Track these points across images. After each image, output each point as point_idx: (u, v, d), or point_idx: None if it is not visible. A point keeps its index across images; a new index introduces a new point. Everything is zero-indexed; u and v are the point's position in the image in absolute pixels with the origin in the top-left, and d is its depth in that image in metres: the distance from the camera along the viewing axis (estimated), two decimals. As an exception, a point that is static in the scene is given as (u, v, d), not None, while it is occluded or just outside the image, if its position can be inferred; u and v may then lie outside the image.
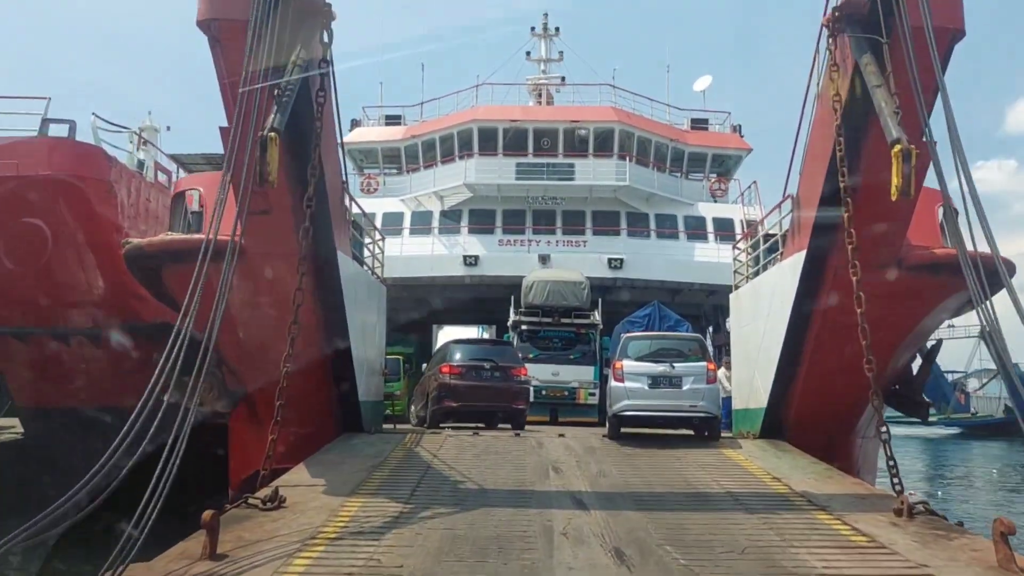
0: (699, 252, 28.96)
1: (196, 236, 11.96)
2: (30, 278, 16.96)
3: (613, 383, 13.64)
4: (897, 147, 8.21)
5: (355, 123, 32.38)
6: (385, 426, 16.23)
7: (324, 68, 9.93)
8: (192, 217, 13.37)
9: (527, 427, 17.75)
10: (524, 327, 22.99)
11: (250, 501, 8.37)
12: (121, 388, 14.33)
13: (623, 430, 13.82)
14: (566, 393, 22.60)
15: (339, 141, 11.76)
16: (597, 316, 23.16)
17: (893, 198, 8.31)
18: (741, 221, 29.71)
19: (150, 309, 15.93)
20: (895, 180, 8.22)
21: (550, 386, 22.50)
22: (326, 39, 10.07)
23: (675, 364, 13.29)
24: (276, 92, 8.38)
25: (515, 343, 23.05)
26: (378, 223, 29.52)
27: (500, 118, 29.15)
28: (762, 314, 13.82)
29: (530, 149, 29.18)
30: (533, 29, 33.17)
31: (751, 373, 14.39)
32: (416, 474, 10.28)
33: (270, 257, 11.06)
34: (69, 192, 16.49)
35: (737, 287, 16.85)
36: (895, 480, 9.07)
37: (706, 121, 32.43)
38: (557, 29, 33.15)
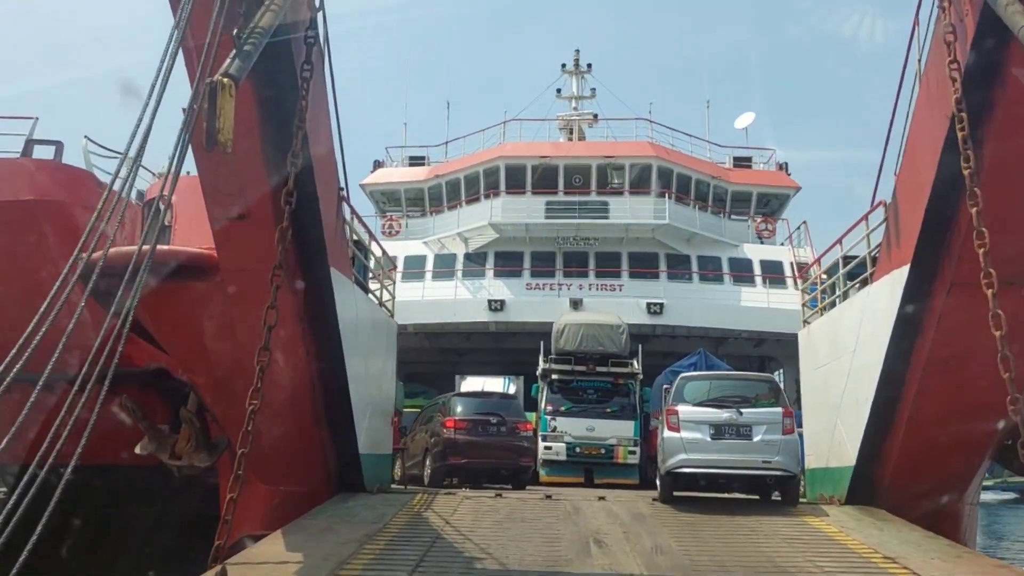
0: (746, 297, 26.62)
1: (163, 248, 10.04)
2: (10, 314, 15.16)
3: (667, 433, 11.27)
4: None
5: (377, 164, 30.88)
6: (394, 485, 13.95)
7: (310, 35, 8.05)
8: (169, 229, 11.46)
9: (558, 489, 15.55)
10: (555, 376, 20.68)
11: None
12: (111, 443, 12.36)
13: (675, 493, 11.43)
14: (603, 451, 20.11)
15: (337, 135, 9.85)
16: (637, 364, 20.76)
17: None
18: (791, 263, 27.40)
19: (143, 352, 14.06)
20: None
21: (585, 443, 20.06)
22: (316, 1, 8.25)
23: (743, 410, 10.91)
24: (237, 34, 6.45)
25: (544, 395, 20.76)
26: (399, 267, 27.81)
27: (528, 154, 27.41)
28: (845, 350, 11.44)
29: (560, 186, 27.31)
30: (564, 66, 31.70)
31: (831, 424, 11.93)
32: (420, 548, 7.99)
33: (248, 275, 9.03)
34: (54, 218, 14.81)
35: (807, 322, 14.52)
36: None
37: (749, 159, 30.43)
38: (589, 65, 31.68)
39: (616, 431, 20.18)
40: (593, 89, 31.44)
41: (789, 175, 29.89)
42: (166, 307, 9.70)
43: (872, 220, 11.21)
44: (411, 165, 30.64)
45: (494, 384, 24.84)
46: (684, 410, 11.23)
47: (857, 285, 11.81)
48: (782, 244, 28.98)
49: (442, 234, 28.03)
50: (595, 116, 30.79)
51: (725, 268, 27.30)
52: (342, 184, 10.46)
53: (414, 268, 27.41)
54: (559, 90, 31.33)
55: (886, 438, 10.44)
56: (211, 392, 10.42)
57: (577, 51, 31.54)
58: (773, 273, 27.04)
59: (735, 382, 12.42)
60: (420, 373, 35.38)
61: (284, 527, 8.69)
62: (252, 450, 10.88)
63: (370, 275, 14.15)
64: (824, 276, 14.71)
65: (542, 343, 21.27)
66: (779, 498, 11.49)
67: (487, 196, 27.40)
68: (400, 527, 8.89)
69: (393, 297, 14.52)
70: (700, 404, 11.37)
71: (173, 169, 6.57)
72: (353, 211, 11.60)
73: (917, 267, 9.21)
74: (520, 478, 15.60)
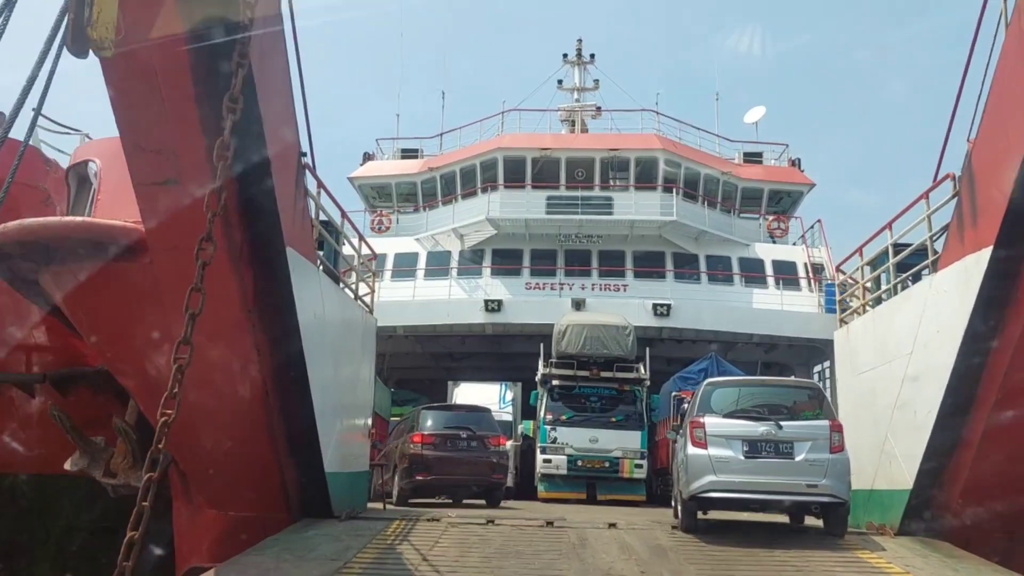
0: (758, 299, 24.96)
1: (75, 220, 8.35)
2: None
3: (691, 450, 9.53)
4: None
5: (367, 157, 29.24)
6: (372, 505, 12.23)
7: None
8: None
9: (559, 508, 13.99)
10: (555, 382, 18.99)
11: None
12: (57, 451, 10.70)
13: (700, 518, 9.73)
14: (607, 464, 18.42)
15: (300, 85, 8.14)
16: (644, 369, 19.06)
17: None
18: (806, 264, 25.80)
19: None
20: None
21: (587, 456, 18.38)
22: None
23: (782, 423, 9.19)
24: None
25: (544, 402, 19.07)
26: (388, 265, 26.17)
27: (528, 146, 25.77)
28: (898, 353, 9.75)
29: (562, 180, 25.66)
30: (565, 56, 30.10)
31: (878, 439, 10.24)
32: (387, 596, 6.27)
33: (181, 254, 7.33)
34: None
35: (844, 322, 12.81)
36: None
37: (760, 155, 28.79)
38: (592, 56, 30.06)
39: (621, 442, 18.50)
40: (596, 80, 29.88)
41: (802, 171, 28.24)
42: (86, 293, 8.03)
43: (934, 199, 9.51)
44: (403, 158, 29.00)
45: (490, 391, 23.19)
46: (712, 422, 9.50)
47: (910, 278, 10.14)
48: (795, 244, 27.35)
49: (436, 230, 26.39)
50: (598, 108, 29.16)
51: (735, 268, 25.67)
52: (305, 149, 8.77)
53: (405, 266, 25.76)
54: (560, 81, 29.74)
55: (953, 456, 8.75)
56: (144, 397, 8.72)
57: (579, 40, 30.00)
58: (786, 274, 25.40)
59: (772, 389, 10.65)
60: (412, 379, 33.77)
61: (219, 567, 6.97)
62: (195, 469, 9.25)
63: (346, 266, 12.46)
64: (851, 278, 13.04)
65: (541, 346, 19.60)
66: (797, 522, 9.83)
67: (484, 190, 25.77)
68: (365, 566, 7.18)
69: (373, 291, 12.80)
70: (730, 415, 9.65)
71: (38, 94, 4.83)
72: (320, 184, 9.89)
73: (1002, 249, 7.52)
74: (494, 495, 14.96)
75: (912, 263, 10.17)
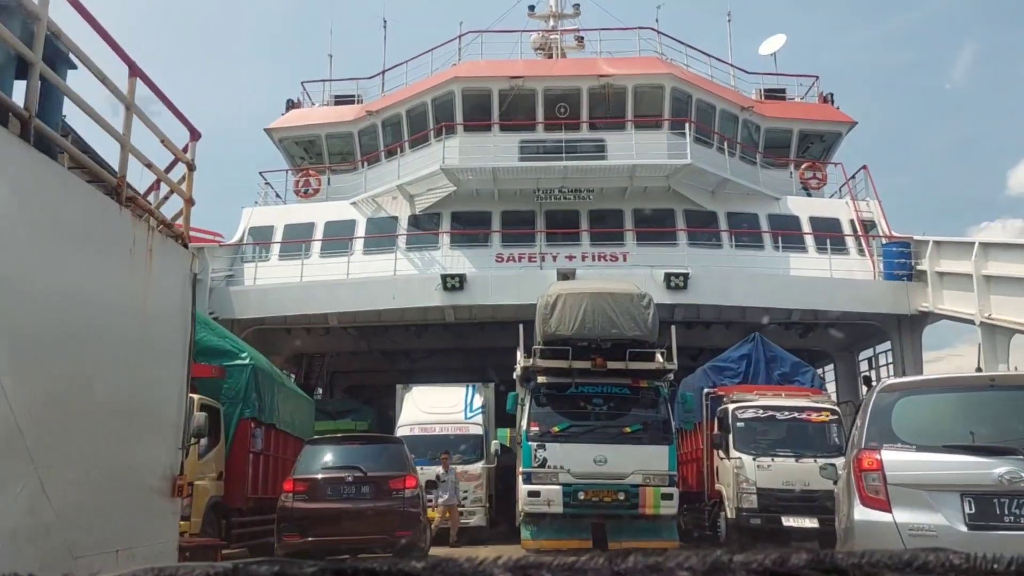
0: (796, 264, 19.30)
1: None
2: None
3: (862, 514, 3.96)
4: None
5: (292, 105, 23.11)
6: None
7: None
8: None
9: (554, 556, 8.03)
10: (542, 379, 13.11)
11: None
12: None
13: None
14: (621, 496, 12.55)
15: None
16: (671, 357, 13.20)
17: None
18: (852, 221, 20.20)
19: None
20: None
21: (592, 484, 12.52)
22: None
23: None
24: None
25: (527, 409, 13.18)
26: (318, 235, 20.15)
27: (495, 75, 19.87)
28: None
29: (539, 118, 19.78)
30: (538, -25, 24.21)
31: None
32: None
33: None
34: None
35: None
36: None
37: (783, 91, 23.19)
38: (570, -26, 24.20)
39: (641, 462, 12.65)
40: (576, 5, 23.97)
41: (837, 108, 22.68)
42: None
43: None
44: (338, 105, 22.93)
45: (453, 396, 17.28)
46: (899, 461, 3.96)
47: None
48: (833, 196, 21.80)
49: (377, 190, 20.40)
50: (580, 39, 23.29)
51: (764, 227, 20.02)
52: None
53: (339, 234, 19.79)
54: (532, 7, 23.79)
55: None
56: None
57: (555, -43, 24.07)
58: (829, 233, 19.81)
59: (1004, 395, 5.00)
60: (363, 386, 27.80)
61: None
62: None
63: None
64: None
65: (521, 327, 13.69)
66: None
67: (438, 136, 19.81)
68: None
69: (188, 199, 6.55)
70: (933, 449, 4.04)
71: None
72: None
73: None
74: (405, 554, 9.13)
75: None
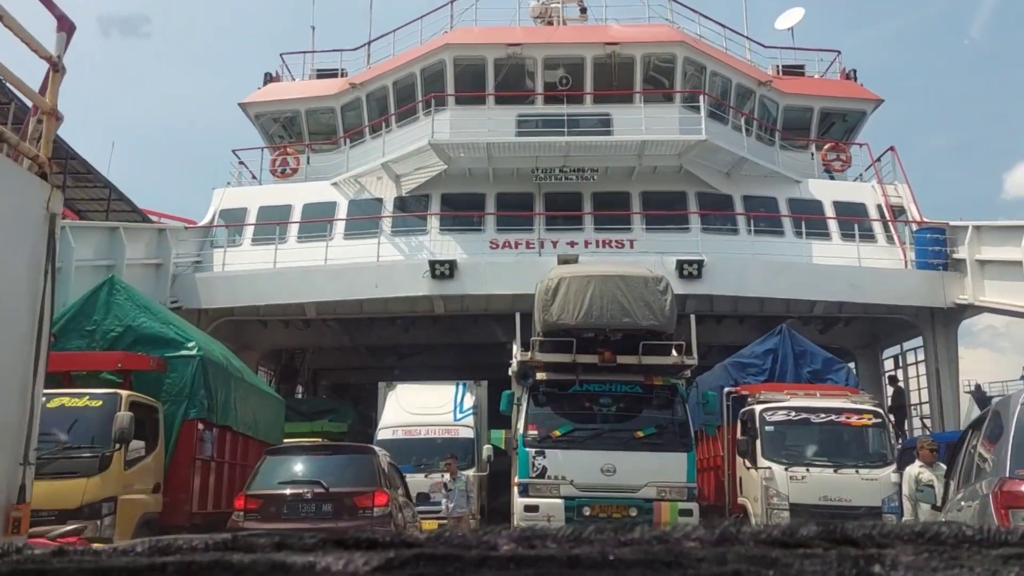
0: (819, 252, 17.55)
1: None
2: None
3: None
4: None
5: (270, 78, 21.30)
6: None
7: None
8: None
9: None
10: (542, 376, 11.34)
11: None
12: None
13: None
14: (633, 513, 10.80)
15: None
16: (691, 352, 11.39)
17: None
18: (880, 206, 18.47)
19: None
20: None
21: (598, 498, 10.80)
22: None
23: None
24: None
25: (524, 409, 11.42)
26: (295, 218, 18.38)
27: (490, 42, 18.09)
28: None
29: (539, 89, 18.02)
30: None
31: None
32: None
33: None
34: None
35: None
36: None
37: (802, 67, 21.44)
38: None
39: (656, 473, 10.93)
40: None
41: (861, 86, 20.94)
42: None
43: None
44: (320, 79, 21.13)
45: (441, 395, 15.51)
46: None
47: None
48: (857, 180, 20.07)
49: (359, 169, 18.64)
50: (584, 10, 21.50)
51: (784, 212, 18.28)
52: None
53: (317, 217, 18.03)
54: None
55: None
56: None
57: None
58: (853, 218, 18.05)
59: None
60: (350, 385, 26.03)
61: None
62: None
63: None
64: None
65: (517, 316, 11.89)
66: None
67: (428, 110, 18.04)
68: None
69: (53, 114, 4.75)
70: None
71: None
72: None
73: None
74: None
75: None
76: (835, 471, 10.92)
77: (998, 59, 57.28)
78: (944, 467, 9.03)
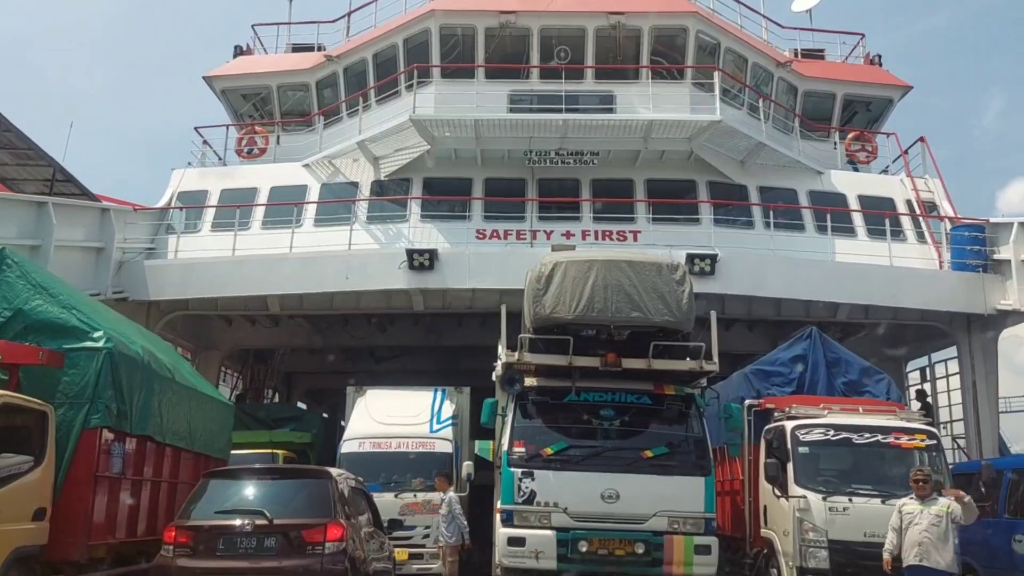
0: (843, 249, 15.74)
1: None
2: None
3: None
4: None
5: (241, 51, 19.43)
6: None
7: None
8: None
9: None
10: (531, 382, 9.44)
11: None
12: None
13: None
14: (639, 549, 8.88)
15: None
16: (711, 355, 9.48)
17: None
18: (909, 201, 16.70)
19: None
20: None
21: (598, 531, 8.89)
22: None
23: None
24: None
25: (511, 421, 9.51)
26: (262, 200, 16.52)
27: (480, 8, 16.26)
28: None
29: (534, 61, 16.19)
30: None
31: None
32: None
33: None
34: None
35: None
36: None
37: (821, 51, 19.73)
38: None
39: (666, 500, 9.04)
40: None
41: (887, 72, 19.20)
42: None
43: None
44: (295, 53, 19.29)
45: (417, 402, 13.58)
46: None
47: None
48: (884, 172, 18.30)
49: (332, 149, 16.76)
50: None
51: (804, 204, 16.49)
52: None
53: (287, 200, 16.15)
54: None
55: None
56: None
57: None
58: (882, 213, 16.27)
59: None
60: (324, 390, 24.10)
61: None
62: None
63: None
64: None
65: (503, 310, 9.94)
66: None
67: (410, 84, 16.18)
68: None
69: None
70: None
71: None
72: None
73: None
74: None
75: None
76: (883, 502, 9.03)
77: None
78: (945, 502, 7.89)
